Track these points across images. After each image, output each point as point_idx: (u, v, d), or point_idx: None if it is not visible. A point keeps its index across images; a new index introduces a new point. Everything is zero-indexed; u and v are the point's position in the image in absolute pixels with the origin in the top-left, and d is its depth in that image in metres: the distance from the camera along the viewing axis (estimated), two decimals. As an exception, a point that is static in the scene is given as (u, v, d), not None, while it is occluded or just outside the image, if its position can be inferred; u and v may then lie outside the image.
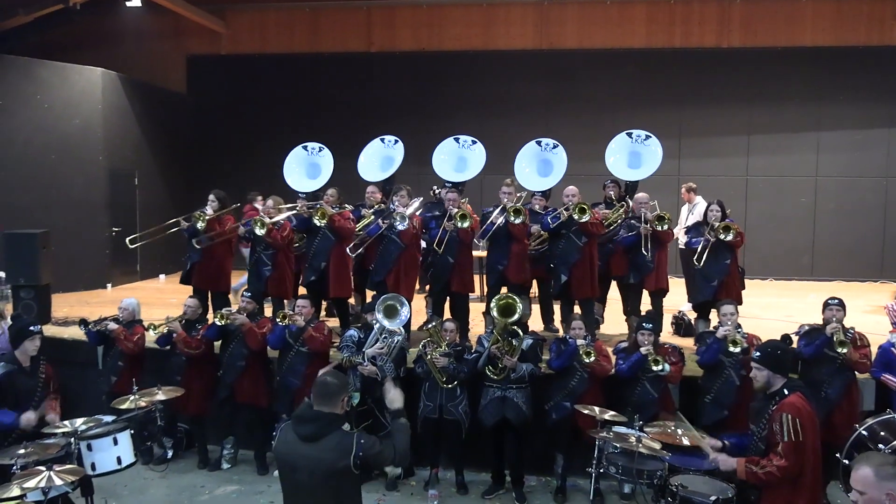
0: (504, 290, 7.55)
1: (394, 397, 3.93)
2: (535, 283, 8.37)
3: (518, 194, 7.64)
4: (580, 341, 6.21)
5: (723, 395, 6.14)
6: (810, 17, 12.65)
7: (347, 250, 7.40)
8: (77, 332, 8.14)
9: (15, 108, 10.91)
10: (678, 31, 12.99)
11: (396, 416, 3.82)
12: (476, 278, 8.74)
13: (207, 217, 7.70)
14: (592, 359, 6.09)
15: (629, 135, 8.09)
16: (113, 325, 6.97)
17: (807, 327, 6.46)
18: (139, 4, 11.57)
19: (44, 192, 10.93)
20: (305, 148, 8.30)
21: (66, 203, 11.09)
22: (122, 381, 6.76)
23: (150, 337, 7.08)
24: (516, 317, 6.17)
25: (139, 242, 7.92)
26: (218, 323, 6.80)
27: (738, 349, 5.95)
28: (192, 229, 7.77)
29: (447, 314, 7.51)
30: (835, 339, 5.93)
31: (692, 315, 8.19)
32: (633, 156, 8.04)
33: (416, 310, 8.00)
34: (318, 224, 7.38)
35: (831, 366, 6.02)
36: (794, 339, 6.40)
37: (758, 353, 4.40)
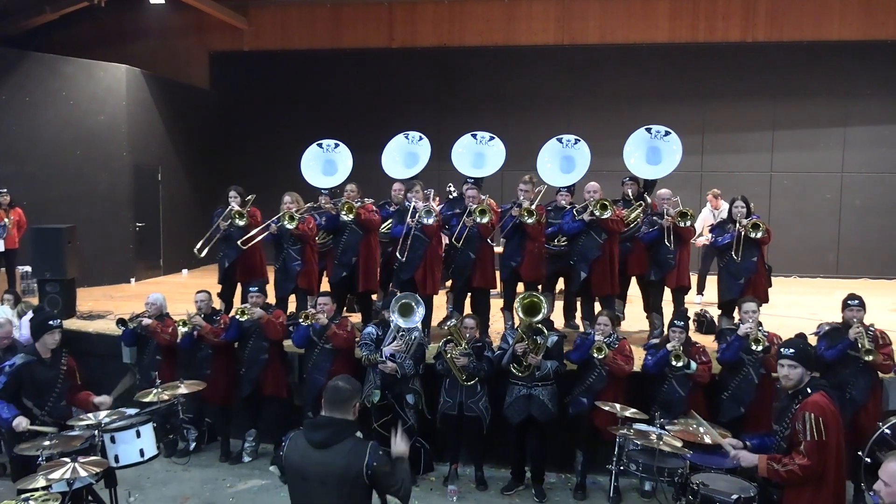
0: (521, 286, 7.55)
1: (400, 450, 3.56)
2: (561, 279, 8.33)
3: (537, 189, 7.60)
4: (599, 336, 6.18)
5: (741, 393, 6.09)
6: (837, 10, 12.45)
7: (398, 254, 7.37)
8: (101, 326, 8.28)
9: (41, 105, 11.05)
10: (702, 26, 12.85)
11: (400, 462, 3.53)
12: (497, 274, 8.71)
13: (245, 213, 7.70)
14: (603, 355, 6.06)
15: (648, 130, 8.02)
16: (147, 321, 7.07)
17: (826, 326, 6.34)
18: (162, 1, 11.68)
19: (69, 187, 11.08)
20: (321, 145, 8.31)
21: (91, 198, 11.23)
22: (162, 374, 6.86)
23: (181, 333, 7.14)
24: (541, 316, 6.14)
25: (205, 249, 7.95)
26: (239, 318, 6.85)
27: (759, 348, 5.88)
28: (232, 229, 7.78)
29: (467, 309, 7.50)
30: (859, 345, 5.79)
31: (713, 312, 8.12)
32: (651, 151, 7.96)
33: (438, 304, 8.00)
34: (346, 219, 7.41)
35: (854, 366, 5.88)
36: (814, 339, 6.30)
37: (791, 350, 4.27)
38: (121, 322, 7.20)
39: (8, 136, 10.80)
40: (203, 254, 7.94)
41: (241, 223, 7.69)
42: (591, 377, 6.25)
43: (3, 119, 10.79)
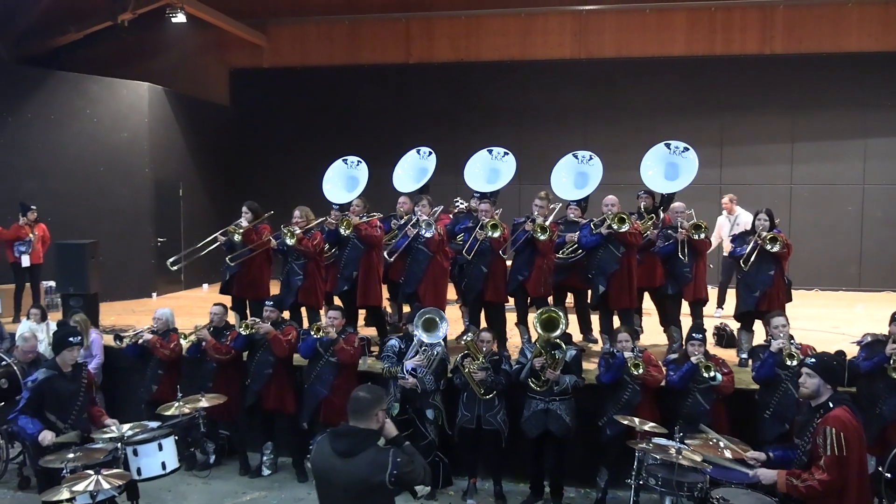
0: (528, 300, 7.57)
1: (391, 433, 3.61)
2: (570, 293, 8.33)
3: (552, 206, 7.63)
4: (628, 353, 6.15)
5: (783, 409, 5.97)
6: (856, 21, 12.40)
7: (385, 254, 7.42)
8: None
9: (66, 122, 11.26)
10: (719, 39, 12.84)
11: (398, 444, 3.59)
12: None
13: (242, 229, 7.80)
14: (641, 370, 6.03)
15: (667, 146, 8.03)
16: (147, 336, 7.14)
17: (869, 338, 6.28)
18: (183, 20, 11.86)
19: (92, 203, 11.25)
20: (345, 161, 8.43)
21: (113, 214, 11.38)
22: (162, 388, 6.98)
23: (184, 346, 7.23)
24: (559, 331, 6.14)
25: (179, 265, 8.10)
26: (243, 333, 6.90)
27: (794, 362, 5.79)
28: (230, 244, 7.87)
29: (483, 324, 7.51)
30: (892, 361, 5.76)
31: (734, 326, 8.07)
32: (670, 167, 7.98)
33: (453, 319, 8.01)
34: (345, 234, 7.47)
35: (889, 381, 5.80)
36: (856, 348, 6.24)
37: (812, 360, 4.33)
38: (117, 338, 7.29)
39: (33, 153, 10.99)
40: (175, 268, 8.15)
41: (237, 238, 7.78)
42: (626, 394, 6.19)
43: (29, 136, 10.99)
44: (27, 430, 5.36)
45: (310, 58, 14.20)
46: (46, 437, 5.30)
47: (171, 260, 8.10)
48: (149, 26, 12.68)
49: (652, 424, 5.61)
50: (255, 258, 7.91)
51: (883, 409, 5.81)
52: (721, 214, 10.26)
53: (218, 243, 7.99)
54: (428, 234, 7.19)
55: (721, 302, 9.78)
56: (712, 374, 5.94)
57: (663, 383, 6.30)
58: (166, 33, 13.17)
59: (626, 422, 5.72)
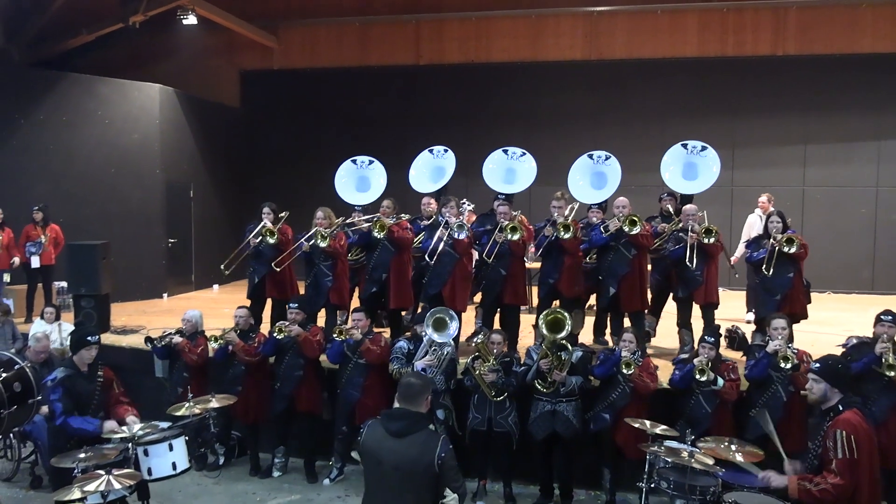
0: (556, 303, 7.52)
1: None
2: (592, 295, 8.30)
3: (571, 205, 7.59)
4: (625, 353, 6.14)
5: (769, 410, 5.94)
6: (870, 23, 12.32)
7: (426, 256, 7.32)
8: (134, 341, 8.41)
9: (78, 124, 11.33)
10: (731, 40, 12.79)
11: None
12: (527, 290, 8.68)
13: (276, 231, 7.77)
14: (631, 371, 6.00)
15: (684, 146, 7.97)
16: (177, 339, 7.14)
17: (854, 340, 6.24)
18: (194, 22, 11.91)
19: (104, 204, 11.32)
20: (354, 161, 8.42)
21: (124, 215, 11.45)
22: (188, 392, 6.94)
23: (212, 348, 7.21)
24: (564, 332, 6.12)
25: (232, 266, 8.04)
26: (276, 336, 6.84)
27: (788, 365, 5.80)
28: (262, 246, 7.82)
29: (497, 325, 7.49)
30: (883, 360, 5.71)
31: (747, 328, 8.02)
32: (688, 167, 7.92)
33: (466, 320, 7.99)
34: (378, 236, 7.43)
35: (878, 383, 5.76)
36: (840, 350, 6.20)
37: (817, 365, 4.30)
38: (148, 340, 7.30)
39: (46, 155, 11.07)
40: (229, 271, 8.02)
41: (272, 241, 7.76)
42: (615, 394, 6.19)
43: (42, 138, 11.07)
44: (88, 429, 5.40)
45: (320, 59, 14.23)
46: (106, 426, 5.42)
47: (224, 264, 8.05)
48: (160, 28, 12.77)
49: (663, 427, 5.58)
50: (285, 258, 7.90)
51: (873, 410, 5.74)
52: (752, 213, 10.03)
53: (254, 247, 7.93)
54: (461, 236, 7.17)
55: (751, 306, 9.63)
56: (707, 377, 5.92)
57: (665, 386, 6.28)
58: (177, 35, 13.26)
59: (636, 424, 5.68)
